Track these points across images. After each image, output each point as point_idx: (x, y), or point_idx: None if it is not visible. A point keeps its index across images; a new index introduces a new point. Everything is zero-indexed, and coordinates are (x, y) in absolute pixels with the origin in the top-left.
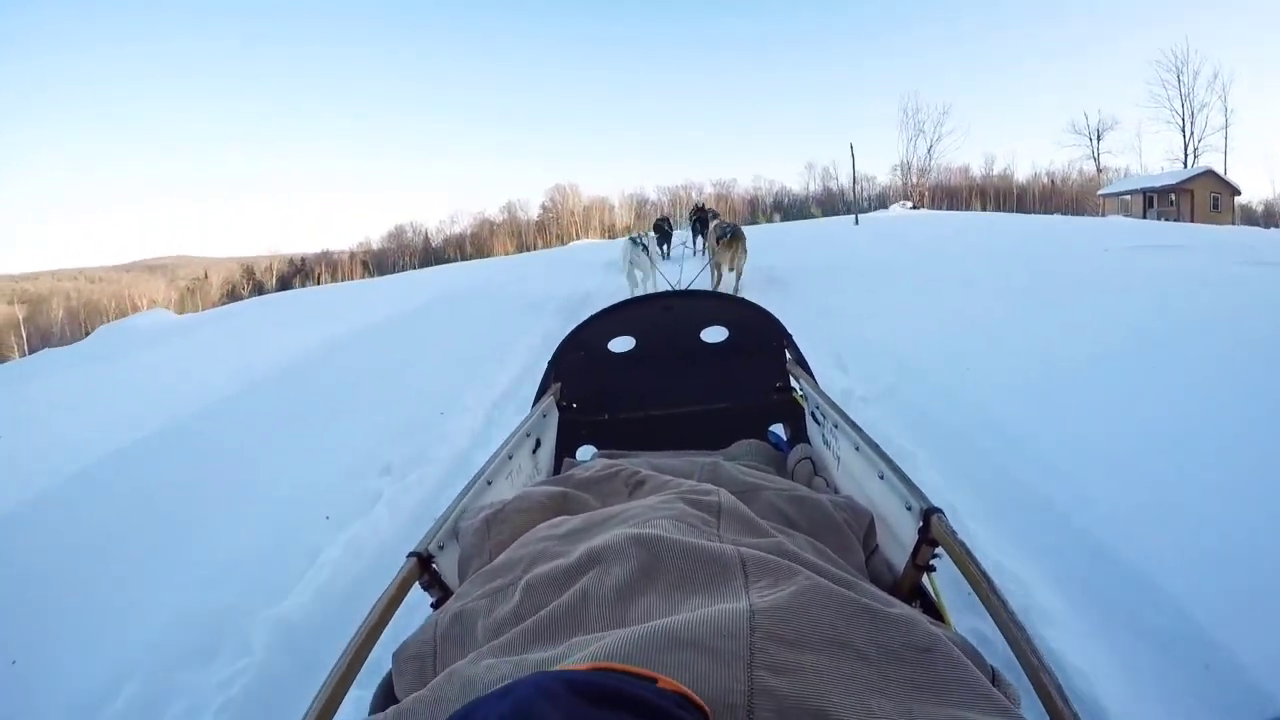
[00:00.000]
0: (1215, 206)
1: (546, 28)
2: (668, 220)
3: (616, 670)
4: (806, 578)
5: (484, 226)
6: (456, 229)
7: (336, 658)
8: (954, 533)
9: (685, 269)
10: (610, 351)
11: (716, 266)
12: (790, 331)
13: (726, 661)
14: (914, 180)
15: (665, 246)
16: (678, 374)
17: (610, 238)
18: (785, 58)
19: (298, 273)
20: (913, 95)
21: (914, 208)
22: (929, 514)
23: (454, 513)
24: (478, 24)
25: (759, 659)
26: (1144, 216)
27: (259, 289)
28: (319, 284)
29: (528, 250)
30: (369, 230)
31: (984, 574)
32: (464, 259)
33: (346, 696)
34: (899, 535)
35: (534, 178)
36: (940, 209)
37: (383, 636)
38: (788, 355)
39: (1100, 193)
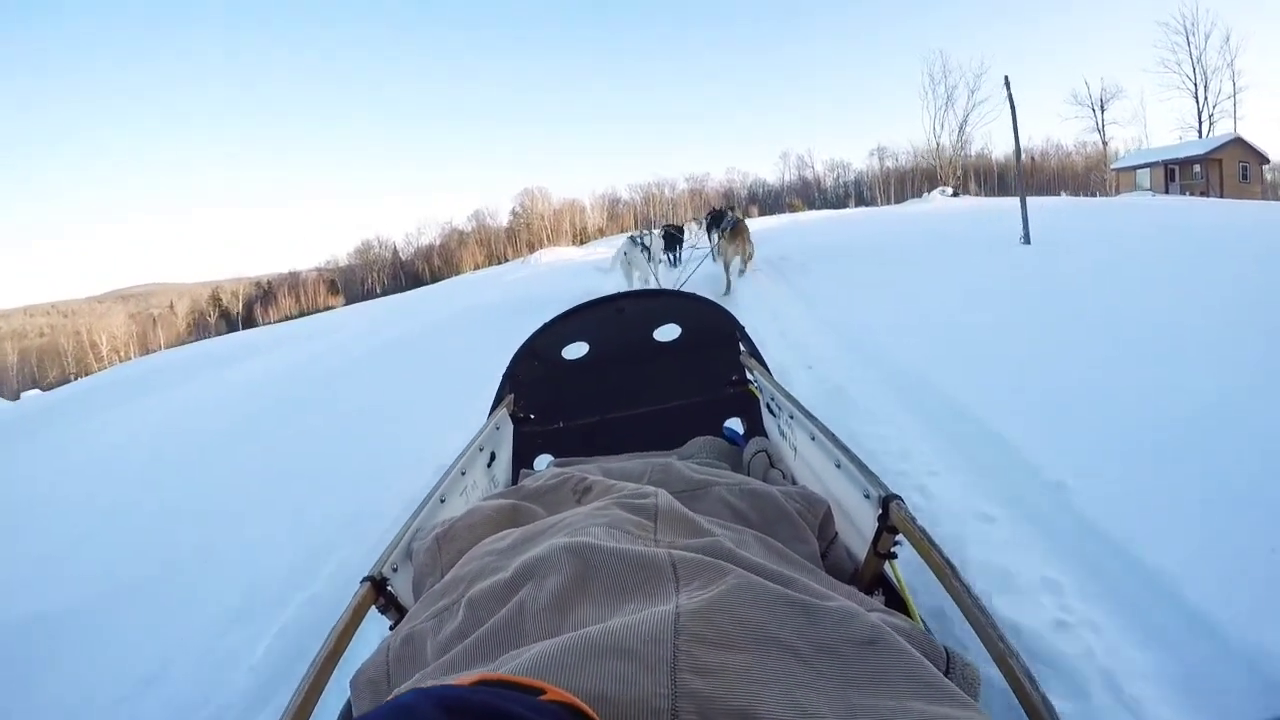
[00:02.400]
0: (1244, 177)
1: (510, 29)
2: (678, 228)
3: (505, 681)
4: (737, 576)
5: (453, 237)
6: (425, 240)
7: (293, 689)
8: (914, 519)
9: (693, 270)
10: (564, 359)
11: (725, 261)
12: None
13: (650, 666)
14: (943, 158)
15: (673, 253)
16: (632, 375)
17: (582, 243)
18: (752, 45)
19: (264, 295)
20: (939, 56)
21: (955, 194)
22: (888, 501)
23: (407, 533)
24: (441, 28)
25: (682, 661)
26: (1165, 191)
27: (225, 316)
28: (263, 320)
29: (498, 261)
30: (336, 246)
31: (946, 560)
32: (432, 273)
33: None
34: (859, 524)
35: (503, 183)
36: (979, 194)
37: (343, 663)
38: (741, 348)
39: (1114, 166)
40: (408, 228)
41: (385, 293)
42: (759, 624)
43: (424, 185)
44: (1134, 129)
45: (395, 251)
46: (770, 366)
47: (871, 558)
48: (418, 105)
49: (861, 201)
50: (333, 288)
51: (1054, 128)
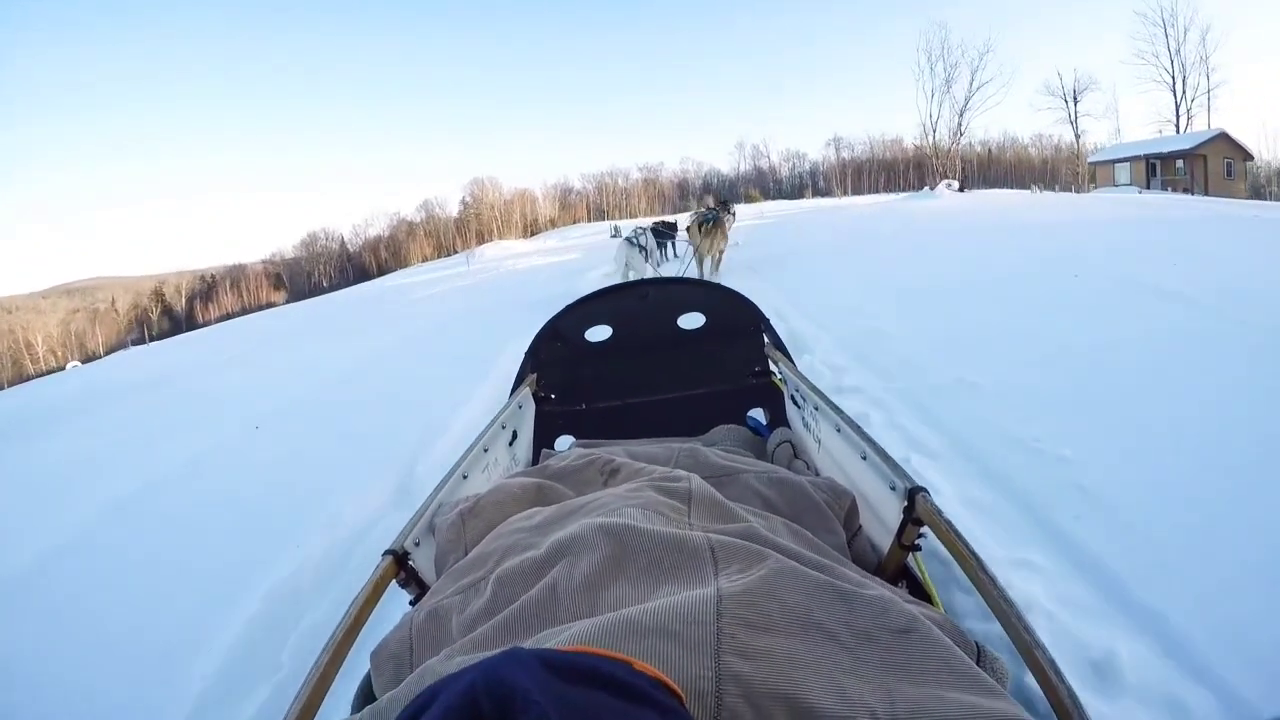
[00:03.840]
0: (1229, 174)
1: (460, 14)
2: (668, 224)
3: (593, 653)
4: (776, 561)
5: (401, 228)
6: (373, 232)
7: (313, 660)
8: (940, 511)
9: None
10: (587, 341)
11: (699, 254)
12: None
13: (693, 647)
14: (940, 148)
15: (665, 248)
16: (655, 361)
17: (532, 234)
18: (708, 33)
19: (208, 289)
20: (939, 32)
21: (960, 189)
22: (914, 493)
23: (429, 508)
24: (389, 11)
25: (726, 644)
26: (1146, 186)
27: (168, 312)
28: (204, 319)
29: (447, 252)
30: (283, 238)
31: (972, 552)
32: (379, 266)
33: (325, 698)
34: (883, 516)
35: (452, 173)
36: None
37: (364, 637)
38: (765, 339)
39: (1091, 160)
40: (356, 219)
41: (333, 287)
42: (802, 609)
43: (372, 175)
44: (1107, 122)
45: (343, 243)
46: None
47: (895, 550)
48: (365, 91)
49: (818, 193)
50: (278, 282)
51: (1011, 121)
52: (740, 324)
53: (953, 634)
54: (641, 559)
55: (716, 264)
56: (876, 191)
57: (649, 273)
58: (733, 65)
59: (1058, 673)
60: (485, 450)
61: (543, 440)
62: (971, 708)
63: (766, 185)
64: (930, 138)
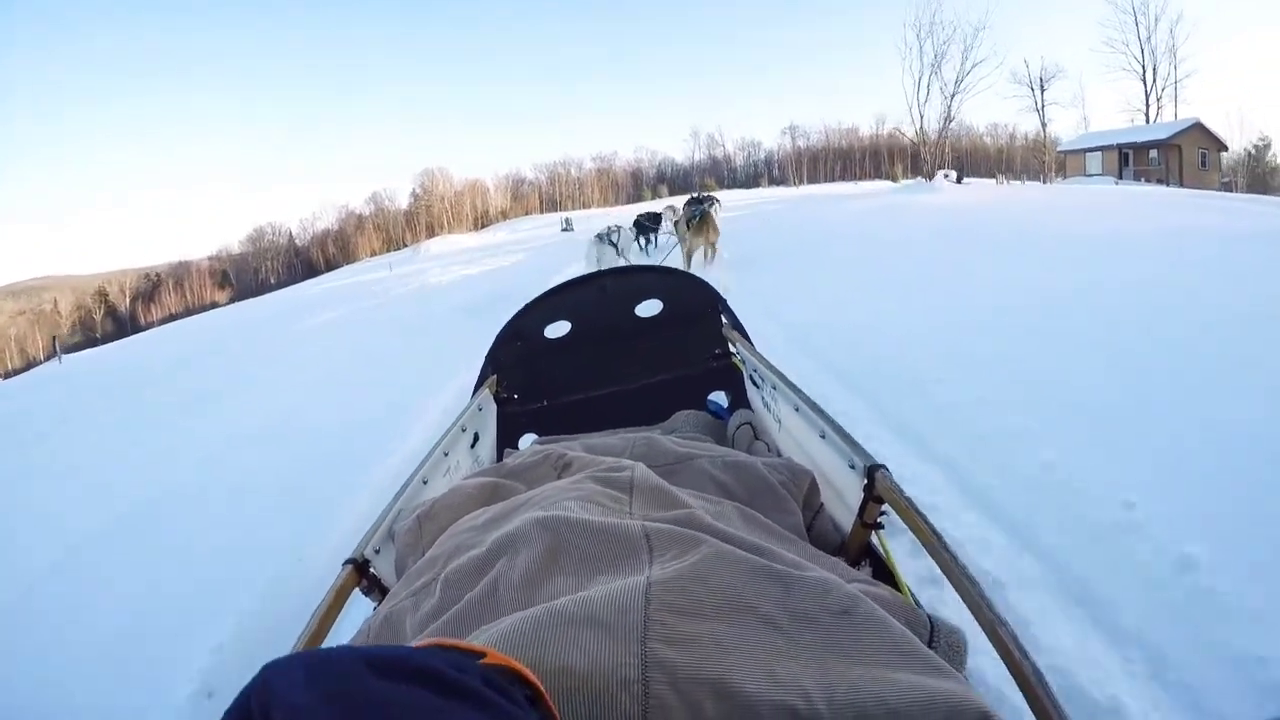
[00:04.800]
0: (1203, 164)
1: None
2: (653, 215)
3: (446, 646)
4: (710, 546)
5: (350, 221)
6: (321, 225)
7: None
8: (899, 489)
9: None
10: (547, 338)
11: (689, 251)
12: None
13: (619, 636)
14: (924, 134)
15: (646, 240)
16: (615, 352)
17: (483, 226)
18: (661, 19)
19: (153, 289)
20: (930, 4)
21: (959, 180)
22: (873, 470)
23: (389, 514)
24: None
25: (653, 631)
26: (1119, 177)
27: (112, 314)
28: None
29: (396, 246)
30: (230, 234)
31: (932, 528)
32: (327, 261)
33: None
34: (844, 494)
35: (403, 164)
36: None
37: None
38: (723, 320)
39: (1061, 148)
40: (303, 213)
41: (280, 284)
42: (733, 593)
43: (322, 166)
44: (1074, 111)
45: (291, 238)
46: None
47: (858, 528)
48: (314, 80)
49: (773, 181)
50: (224, 279)
51: (966, 110)
52: (697, 307)
53: (904, 613)
54: (576, 551)
55: (711, 258)
56: (833, 180)
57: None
58: (687, 52)
59: (1021, 649)
60: (445, 454)
61: (506, 440)
62: (913, 687)
63: (721, 174)
64: (918, 124)
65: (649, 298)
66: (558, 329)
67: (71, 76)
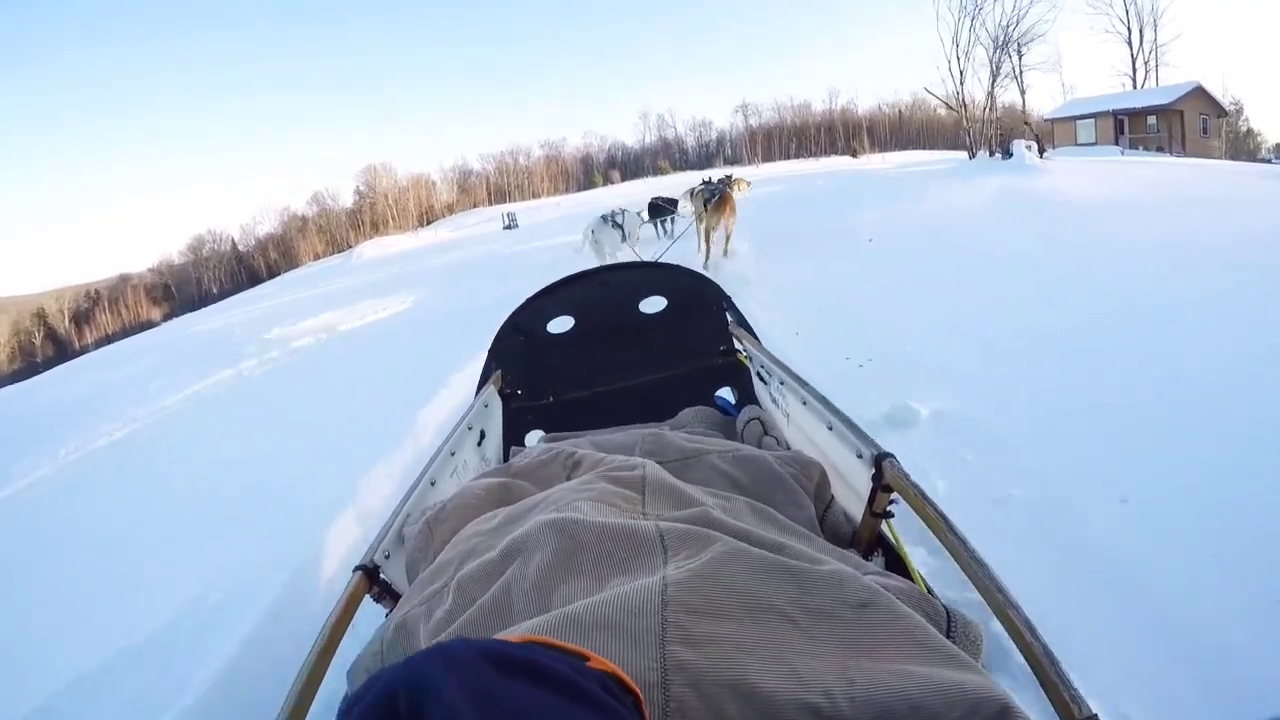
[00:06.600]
0: (1204, 131)
1: None
2: (669, 199)
3: (548, 645)
4: (725, 544)
5: (292, 223)
6: (263, 230)
7: (289, 684)
8: (907, 476)
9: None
10: (550, 333)
11: (706, 232)
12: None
13: (638, 639)
14: (965, 104)
15: (662, 224)
16: (620, 348)
17: (428, 222)
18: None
19: (92, 307)
20: None
21: (1041, 152)
22: (880, 459)
23: (398, 519)
24: None
25: (671, 634)
26: (1115, 144)
27: (52, 336)
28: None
29: (341, 247)
30: (172, 243)
31: (941, 514)
32: (269, 267)
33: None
34: (854, 485)
35: (345, 162)
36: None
37: (344, 656)
38: (728, 317)
39: (1047, 116)
40: (244, 218)
41: (223, 294)
42: (750, 591)
43: (260, 169)
44: (1054, 77)
45: (234, 245)
46: None
47: (868, 518)
48: (251, 81)
49: (727, 161)
50: (165, 293)
51: (920, 82)
52: (702, 304)
53: (920, 604)
54: (590, 553)
55: (727, 241)
56: (788, 158)
57: (625, 254)
58: (635, 32)
59: (1033, 632)
60: (452, 454)
61: (512, 437)
62: (934, 680)
63: (673, 156)
64: (959, 89)
65: (652, 294)
66: (561, 324)
67: None
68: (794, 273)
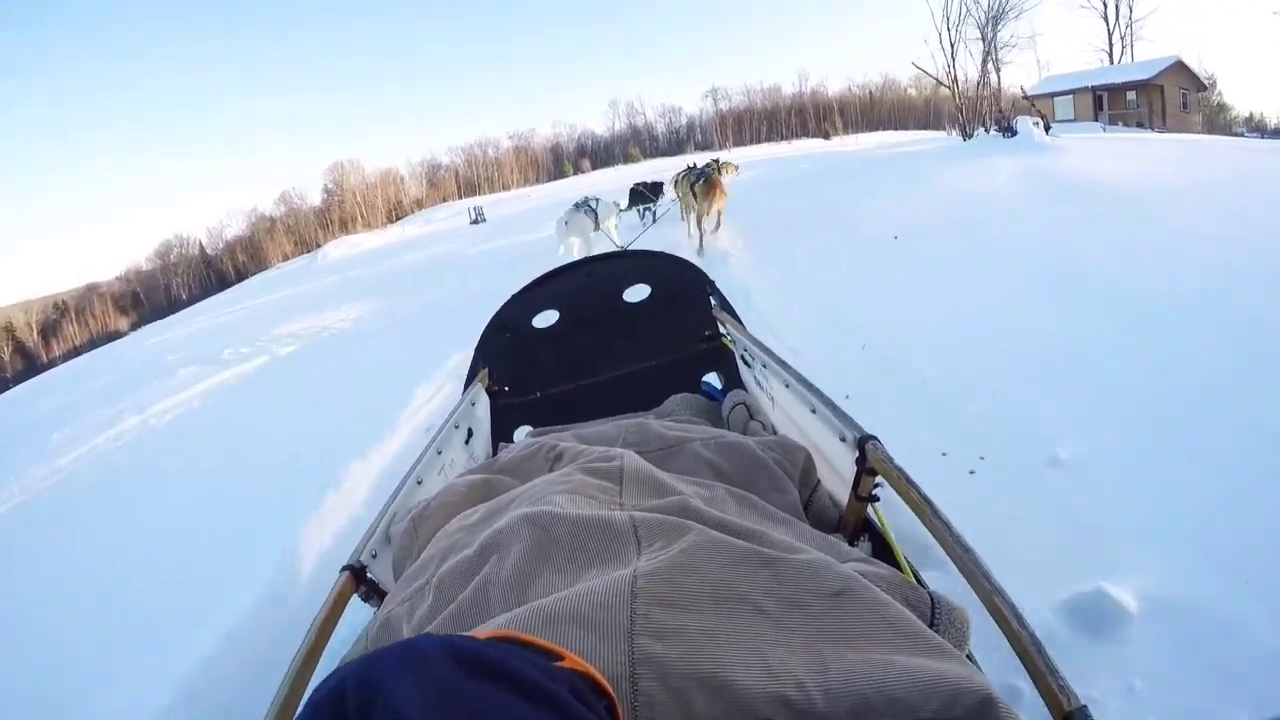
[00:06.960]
0: (1184, 106)
1: None
2: (651, 185)
3: (520, 641)
4: (698, 534)
5: (260, 225)
6: (231, 232)
7: (276, 686)
8: (891, 459)
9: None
10: (535, 328)
11: (696, 215)
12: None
13: (607, 633)
14: (956, 80)
15: (645, 210)
16: (606, 339)
17: (397, 218)
18: None
19: (59, 318)
20: None
21: (1047, 129)
22: (864, 442)
23: (384, 518)
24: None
25: (640, 626)
26: (1095, 120)
27: (21, 350)
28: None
29: (310, 247)
30: (139, 250)
31: (925, 498)
32: (238, 270)
33: None
34: (838, 468)
35: (312, 159)
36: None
37: (333, 655)
38: (712, 301)
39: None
40: (211, 221)
41: (192, 299)
42: (721, 581)
43: (227, 171)
44: (1029, 54)
45: (202, 249)
46: None
47: (853, 502)
48: (210, 82)
49: (698, 147)
50: (133, 301)
51: (890, 62)
52: (686, 290)
53: (903, 591)
54: (564, 546)
55: (716, 225)
56: (759, 142)
57: (605, 243)
58: (603, 19)
59: (1019, 619)
60: (439, 452)
61: (501, 434)
62: (913, 670)
63: (644, 143)
64: (950, 64)
65: (636, 282)
66: (546, 318)
67: None
68: (808, 288)
